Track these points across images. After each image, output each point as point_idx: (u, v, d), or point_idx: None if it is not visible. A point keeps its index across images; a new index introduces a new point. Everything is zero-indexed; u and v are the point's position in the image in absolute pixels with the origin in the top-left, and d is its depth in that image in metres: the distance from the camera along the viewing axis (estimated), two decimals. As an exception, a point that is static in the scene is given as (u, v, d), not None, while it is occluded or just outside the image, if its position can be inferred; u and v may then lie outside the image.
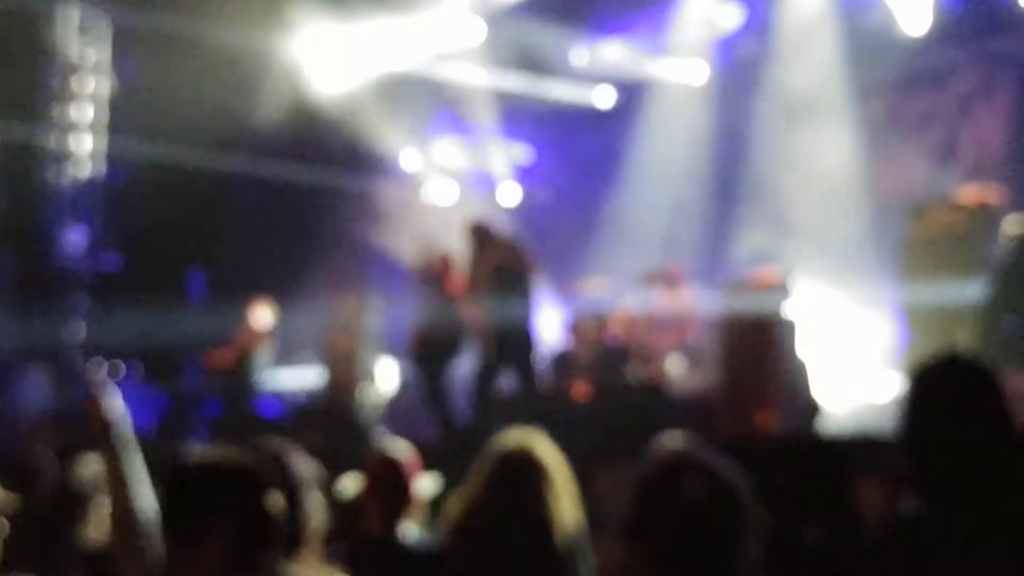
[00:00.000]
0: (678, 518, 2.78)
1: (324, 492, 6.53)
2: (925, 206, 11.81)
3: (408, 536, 5.40)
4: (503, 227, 12.71)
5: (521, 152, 20.27)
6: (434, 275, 13.45)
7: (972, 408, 3.07)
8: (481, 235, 12.62)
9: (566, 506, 5.26)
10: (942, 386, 3.12)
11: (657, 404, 10.63)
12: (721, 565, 2.79)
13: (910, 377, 3.27)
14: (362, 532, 5.26)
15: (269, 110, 17.58)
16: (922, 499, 3.10)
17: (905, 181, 15.83)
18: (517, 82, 18.44)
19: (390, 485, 5.34)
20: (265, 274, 17.91)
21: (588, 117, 18.98)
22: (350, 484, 6.34)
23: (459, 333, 13.20)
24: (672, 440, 5.07)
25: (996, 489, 2.97)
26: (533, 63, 18.29)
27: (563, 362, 14.65)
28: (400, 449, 5.55)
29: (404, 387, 15.70)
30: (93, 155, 19.67)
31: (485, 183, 20.27)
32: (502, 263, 12.19)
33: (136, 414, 13.83)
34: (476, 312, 12.50)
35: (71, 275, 19.53)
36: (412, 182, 19.62)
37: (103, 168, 19.78)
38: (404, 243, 16.96)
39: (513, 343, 12.35)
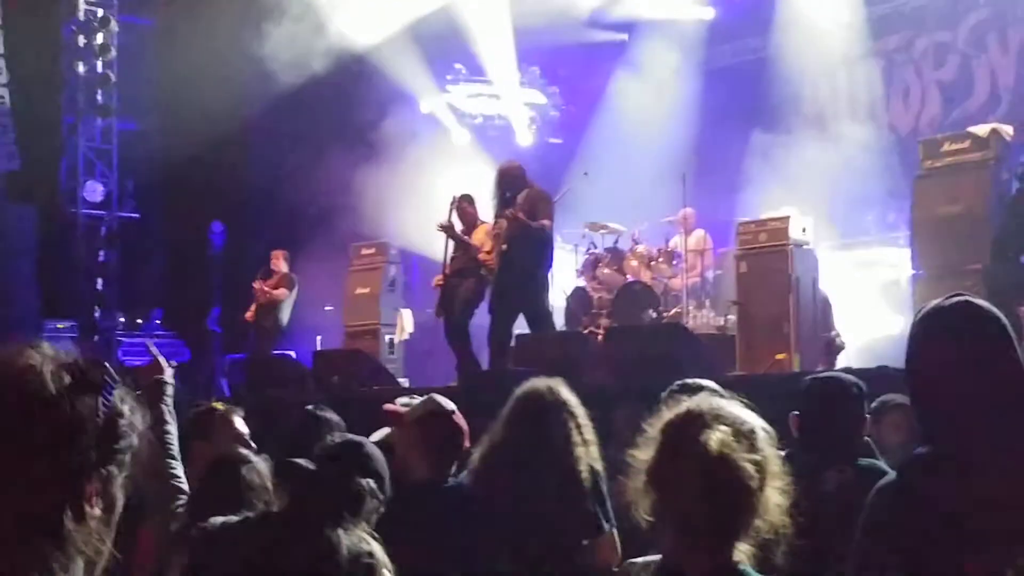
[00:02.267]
0: (701, 469, 2.78)
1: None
2: (938, 139, 11.79)
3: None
4: (521, 173, 12.60)
5: (540, 96, 20.23)
6: (459, 222, 13.48)
7: (977, 349, 3.05)
8: (504, 182, 12.58)
9: (588, 445, 5.34)
10: (947, 327, 3.12)
11: (674, 343, 10.62)
12: (744, 513, 2.81)
13: (916, 317, 3.27)
14: (409, 480, 5.26)
15: (290, 58, 17.55)
16: (928, 439, 3.14)
17: (919, 115, 15.83)
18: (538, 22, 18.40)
19: (442, 436, 5.34)
20: (284, 225, 17.95)
21: (606, 55, 18.96)
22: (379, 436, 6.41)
23: (480, 280, 13.24)
24: (691, 385, 5.09)
25: (998, 429, 2.98)
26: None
27: (580, 303, 14.72)
28: (445, 401, 5.58)
29: (422, 333, 15.75)
30: (110, 109, 19.72)
31: (502, 127, 20.27)
32: (523, 211, 12.16)
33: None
34: (493, 259, 12.49)
35: (92, 228, 19.61)
36: (431, 127, 19.59)
37: (119, 122, 19.85)
38: (425, 188, 17.00)
39: (529, 289, 12.38)
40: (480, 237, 13.22)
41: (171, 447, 5.09)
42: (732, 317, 12.84)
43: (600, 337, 12.65)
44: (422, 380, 14.21)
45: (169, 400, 5.15)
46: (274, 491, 4.18)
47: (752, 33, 17.67)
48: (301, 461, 3.95)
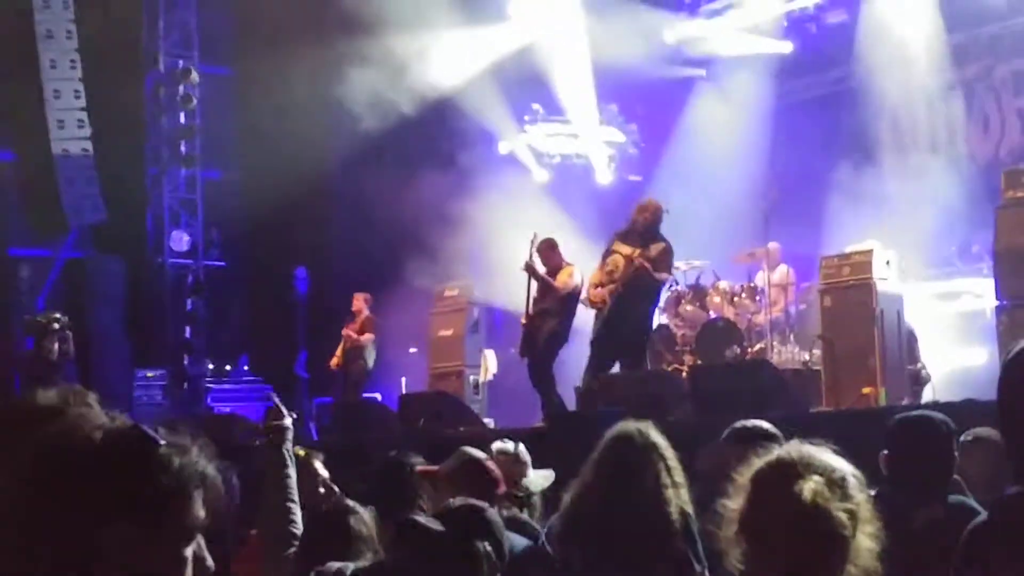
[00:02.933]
0: (795, 519, 2.77)
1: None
2: (1021, 168, 11.69)
3: None
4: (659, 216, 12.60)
5: (618, 134, 20.26)
6: (540, 263, 13.53)
7: None
8: (640, 217, 12.58)
9: (678, 487, 5.34)
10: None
11: (759, 379, 10.61)
12: (837, 562, 2.80)
13: (1009, 354, 3.27)
14: None
15: (369, 104, 17.74)
16: (1020, 478, 3.13)
17: (999, 144, 15.70)
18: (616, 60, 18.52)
19: (476, 485, 5.37)
20: (368, 268, 18.07)
21: (685, 91, 19.01)
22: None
23: (563, 320, 13.28)
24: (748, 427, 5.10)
25: None
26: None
27: (663, 340, 14.72)
28: (475, 451, 5.65)
29: (506, 373, 15.81)
30: (194, 159, 20.02)
31: (582, 166, 20.33)
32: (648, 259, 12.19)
33: (248, 409, 14.12)
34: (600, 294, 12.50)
35: (179, 277, 19.90)
36: (512, 168, 19.67)
37: (203, 171, 20.14)
38: (508, 229, 17.08)
39: (636, 337, 12.45)
40: (563, 279, 13.25)
41: (291, 491, 5.19)
42: (817, 352, 12.80)
43: (684, 374, 12.65)
44: (507, 421, 14.25)
45: (289, 445, 5.25)
46: (379, 542, 4.26)
47: (830, 66, 17.64)
48: (424, 520, 4.04)
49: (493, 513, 4.28)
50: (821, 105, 17.53)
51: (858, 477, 2.93)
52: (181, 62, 19.91)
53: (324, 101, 18.35)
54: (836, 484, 2.84)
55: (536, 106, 20.04)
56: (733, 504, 2.93)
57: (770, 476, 2.90)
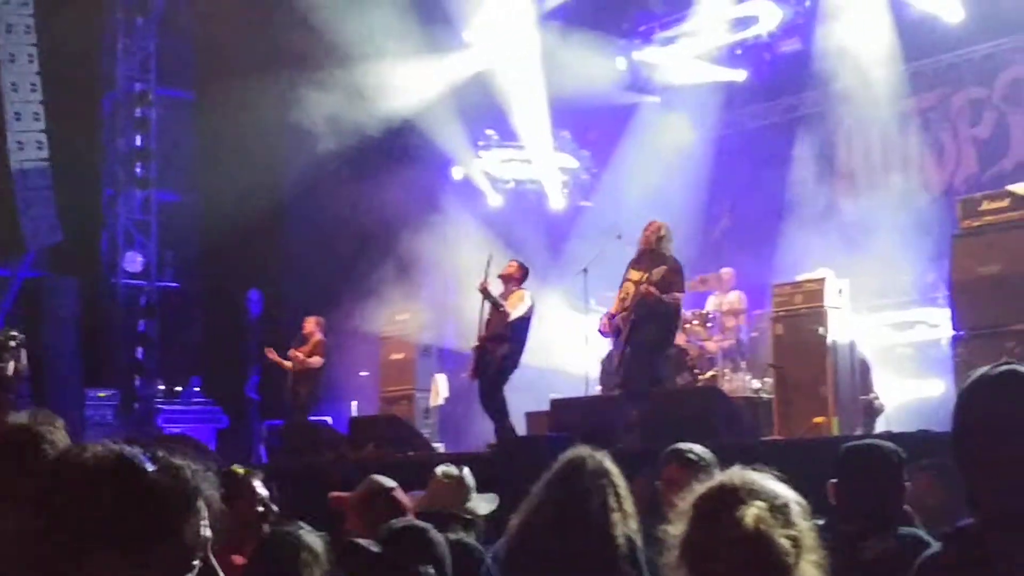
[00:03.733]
0: (737, 546, 2.71)
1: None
2: (976, 197, 11.67)
3: None
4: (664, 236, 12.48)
5: (571, 160, 20.26)
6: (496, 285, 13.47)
7: (1021, 422, 3.01)
8: (649, 239, 12.47)
9: (627, 516, 5.27)
10: (991, 398, 3.06)
11: (709, 407, 10.55)
12: None
13: (963, 385, 3.22)
14: None
15: (326, 129, 17.74)
16: (977, 510, 3.07)
17: (954, 173, 15.75)
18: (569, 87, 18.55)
19: (384, 515, 5.29)
20: (321, 291, 18.00)
21: (638, 118, 19.02)
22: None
23: (516, 347, 13.23)
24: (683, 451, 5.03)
25: None
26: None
27: (615, 366, 14.66)
28: (384, 480, 5.59)
29: (453, 398, 15.76)
30: (149, 181, 19.96)
31: (535, 191, 20.32)
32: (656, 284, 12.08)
33: (198, 431, 14.00)
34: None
35: (132, 298, 19.80)
36: (466, 193, 19.68)
37: (159, 193, 20.07)
38: (460, 254, 17.05)
39: (653, 361, 12.33)
40: (514, 303, 13.19)
41: None
42: (769, 380, 12.76)
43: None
44: (458, 445, 14.16)
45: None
46: (332, 567, 4.16)
47: (784, 94, 17.67)
48: (365, 542, 3.94)
49: (435, 534, 4.20)
50: (775, 133, 17.56)
51: (801, 504, 2.86)
52: (139, 85, 19.89)
53: (281, 126, 18.36)
54: (779, 511, 2.77)
55: (490, 132, 20.03)
56: (674, 530, 2.85)
57: (712, 502, 2.82)
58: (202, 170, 19.76)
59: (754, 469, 2.91)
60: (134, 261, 19.72)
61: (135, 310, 19.89)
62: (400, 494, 5.45)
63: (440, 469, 6.30)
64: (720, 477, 2.90)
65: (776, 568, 2.72)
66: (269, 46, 17.91)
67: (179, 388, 19.61)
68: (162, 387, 19.61)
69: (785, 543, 2.73)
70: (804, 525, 2.81)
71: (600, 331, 12.80)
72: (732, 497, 2.79)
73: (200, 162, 19.91)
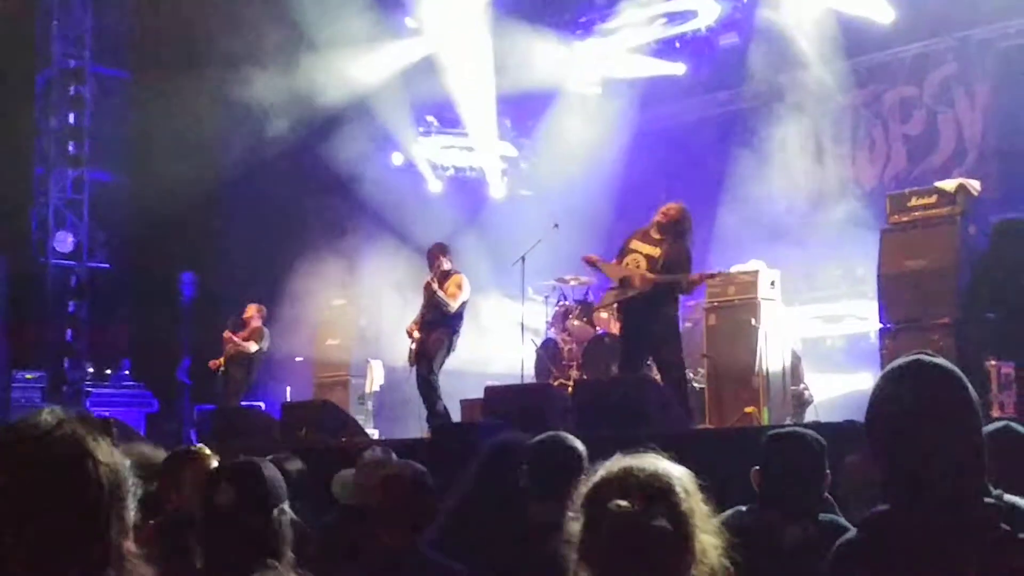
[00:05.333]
0: (618, 536, 2.77)
1: (315, 490, 6.66)
2: (905, 193, 11.84)
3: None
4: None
5: (511, 148, 20.30)
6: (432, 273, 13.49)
7: (933, 409, 3.04)
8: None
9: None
10: (902, 387, 3.13)
11: (642, 396, 10.61)
12: (677, 568, 2.77)
13: (879, 377, 3.31)
14: (381, 545, 5.18)
15: (264, 110, 17.67)
16: (888, 496, 3.16)
17: (885, 169, 15.93)
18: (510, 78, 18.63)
19: (410, 501, 5.23)
20: (257, 276, 17.93)
21: (578, 108, 19.06)
22: (345, 485, 6.40)
23: (453, 333, 13.29)
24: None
25: (954, 489, 3.00)
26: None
27: (550, 354, 14.73)
28: (410, 465, 5.51)
29: (389, 384, 15.76)
30: (82, 160, 19.74)
31: (475, 179, 20.35)
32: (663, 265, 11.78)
33: (127, 414, 13.89)
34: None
35: (62, 279, 19.59)
36: (406, 178, 19.66)
37: (91, 173, 19.87)
38: (399, 239, 17.07)
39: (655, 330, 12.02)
40: (454, 291, 13.24)
41: None
42: (702, 370, 12.88)
43: (569, 389, 12.65)
44: (394, 432, 14.19)
45: None
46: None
47: (723, 87, 17.79)
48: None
49: (262, 470, 4.05)
50: (712, 126, 17.71)
51: (688, 478, 2.91)
52: (74, 62, 19.66)
53: (219, 108, 18.21)
54: (656, 494, 2.82)
55: (430, 118, 20.02)
56: (572, 528, 2.91)
57: (593, 496, 2.87)
58: (137, 150, 19.51)
59: (637, 452, 2.94)
60: (64, 241, 19.48)
61: (65, 291, 19.65)
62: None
63: (367, 454, 6.34)
64: (600, 470, 2.93)
65: (665, 549, 2.77)
66: (209, 26, 17.76)
67: (109, 371, 19.45)
68: (91, 370, 19.41)
69: (664, 524, 2.77)
70: (692, 500, 2.86)
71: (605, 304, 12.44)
72: (609, 488, 2.84)
73: (135, 142, 19.64)
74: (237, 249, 18.87)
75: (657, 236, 11.53)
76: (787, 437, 5.19)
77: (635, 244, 11.65)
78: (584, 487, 2.93)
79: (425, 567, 5.00)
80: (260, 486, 3.95)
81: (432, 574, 4.99)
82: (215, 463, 5.67)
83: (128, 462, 2.18)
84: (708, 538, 2.85)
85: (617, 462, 2.93)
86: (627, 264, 11.47)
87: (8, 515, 2.03)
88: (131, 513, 2.15)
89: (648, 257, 11.46)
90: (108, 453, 2.13)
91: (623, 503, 2.78)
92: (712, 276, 11.68)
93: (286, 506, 4.06)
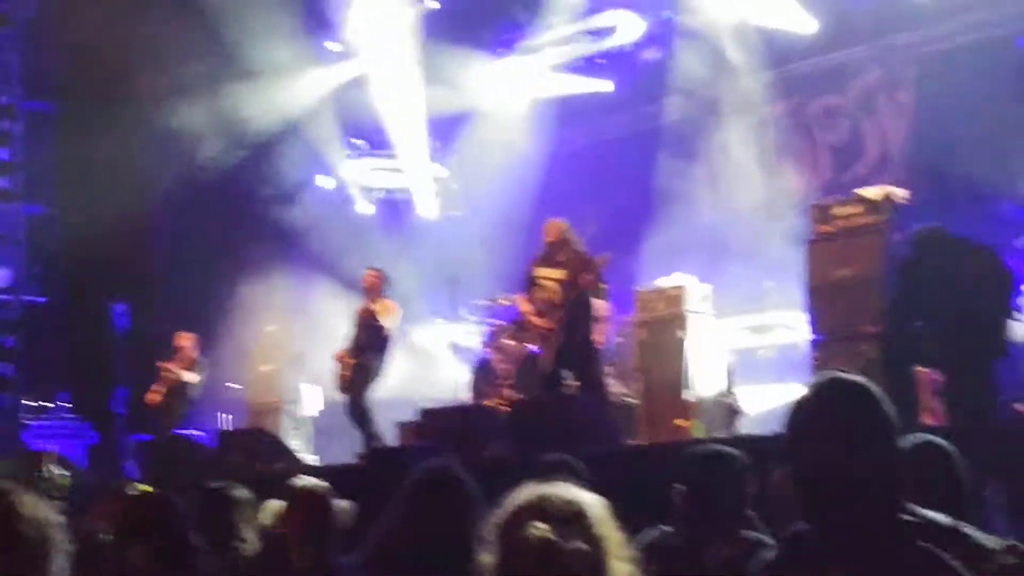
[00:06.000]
0: (532, 567, 2.73)
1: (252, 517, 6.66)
2: (829, 202, 11.94)
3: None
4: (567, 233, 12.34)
5: (441, 169, 20.28)
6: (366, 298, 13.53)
7: (848, 428, 3.11)
8: (551, 241, 12.37)
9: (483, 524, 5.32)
10: (816, 406, 3.17)
11: (576, 414, 10.66)
12: None
13: (798, 396, 3.32)
14: (290, 565, 5.21)
15: (194, 139, 17.62)
16: (806, 514, 3.19)
17: (811, 179, 16.05)
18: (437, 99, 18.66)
19: (312, 517, 5.28)
20: (190, 304, 17.84)
21: (502, 129, 19.09)
22: (271, 512, 6.42)
23: (382, 357, 13.31)
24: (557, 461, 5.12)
25: (868, 507, 3.06)
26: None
27: (484, 375, 14.74)
28: (316, 481, 5.54)
29: (328, 410, 15.72)
30: (14, 194, 19.62)
31: (405, 201, 20.33)
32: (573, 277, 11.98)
33: (67, 447, 13.76)
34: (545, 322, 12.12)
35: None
36: (336, 202, 19.63)
37: (25, 206, 19.74)
38: (330, 264, 17.05)
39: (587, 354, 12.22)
40: (386, 316, 13.27)
41: None
42: (635, 385, 12.94)
43: (505, 409, 12.67)
44: (333, 456, 14.15)
45: None
46: None
47: (648, 101, 17.85)
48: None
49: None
50: (640, 140, 17.74)
51: (601, 505, 2.91)
52: (3, 98, 19.54)
53: (149, 137, 18.15)
54: (571, 520, 2.81)
55: (358, 141, 19.99)
56: (486, 559, 2.89)
57: (506, 526, 2.85)
58: (68, 183, 19.40)
59: (550, 480, 2.95)
60: (1, 276, 19.36)
61: (2, 325, 19.52)
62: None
63: (295, 482, 6.35)
64: (513, 497, 2.91)
65: (579, 573, 2.75)
66: (137, 57, 17.68)
67: (47, 404, 19.29)
68: (30, 403, 19.24)
69: (578, 550, 2.76)
70: (604, 528, 2.85)
71: (533, 327, 12.50)
72: (522, 517, 2.82)
73: (67, 175, 19.56)
74: (170, 278, 18.80)
75: (557, 258, 11.80)
76: (706, 456, 5.21)
77: (540, 272, 11.89)
78: (495, 517, 2.90)
79: None
80: (179, 543, 3.96)
81: None
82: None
83: (57, 518, 2.19)
84: (621, 565, 2.84)
85: (529, 491, 2.90)
86: (541, 292, 11.78)
87: None
88: (59, 567, 2.15)
89: (558, 281, 11.71)
90: (34, 508, 2.14)
91: (541, 526, 2.76)
92: (601, 262, 11.80)
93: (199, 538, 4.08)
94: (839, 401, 3.20)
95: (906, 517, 3.11)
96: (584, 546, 2.78)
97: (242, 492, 6.15)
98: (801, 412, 3.26)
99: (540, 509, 2.82)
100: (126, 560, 3.96)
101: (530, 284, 12.02)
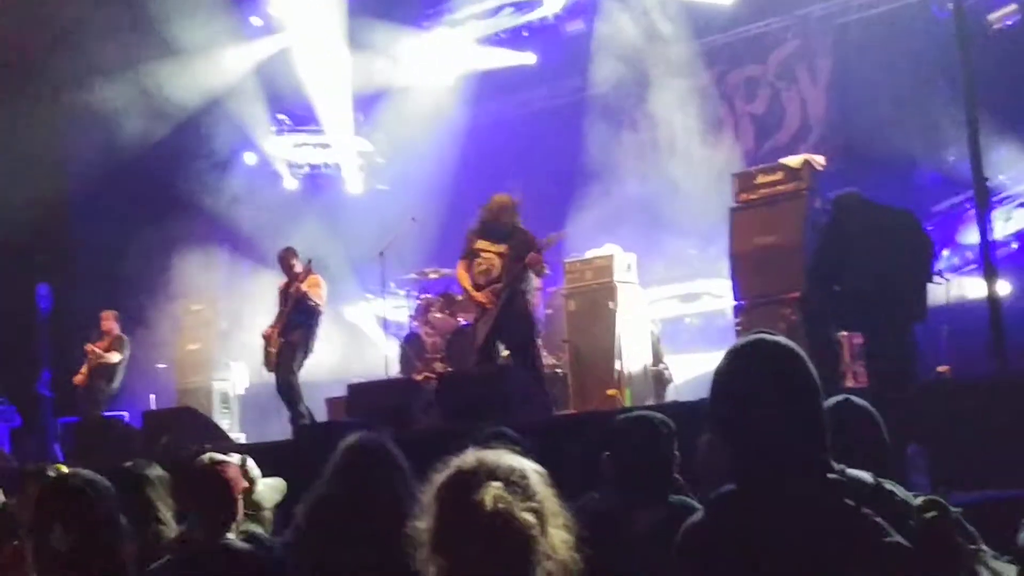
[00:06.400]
0: (480, 529, 2.76)
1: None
2: (752, 171, 12.06)
3: (235, 542, 5.30)
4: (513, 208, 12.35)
5: (366, 143, 20.20)
6: (287, 277, 13.49)
7: (771, 387, 3.14)
8: (492, 215, 12.16)
9: (412, 497, 5.35)
10: (742, 367, 3.22)
11: (506, 386, 10.70)
12: (531, 563, 2.78)
13: (723, 357, 3.33)
14: (191, 542, 5.19)
15: (112, 115, 17.39)
16: (734, 475, 3.22)
17: (733, 148, 16.17)
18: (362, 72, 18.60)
19: (214, 493, 5.25)
20: (114, 284, 17.68)
21: (430, 100, 19.04)
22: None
23: (307, 331, 13.28)
24: (496, 432, 5.13)
25: (796, 465, 3.09)
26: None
27: (414, 348, 14.75)
28: (225, 457, 5.50)
29: (254, 388, 15.65)
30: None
31: (330, 176, 20.25)
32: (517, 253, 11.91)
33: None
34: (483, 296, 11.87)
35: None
36: (261, 177, 19.51)
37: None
38: (257, 240, 16.96)
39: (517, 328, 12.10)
40: (315, 291, 13.22)
41: None
42: (564, 356, 13.00)
43: (434, 382, 12.68)
44: (261, 435, 14.11)
45: None
46: None
47: (572, 74, 17.89)
48: None
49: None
50: (562, 112, 17.80)
51: (541, 473, 2.94)
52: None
53: (66, 115, 17.91)
54: (517, 485, 2.84)
55: (282, 116, 19.86)
56: (422, 524, 2.90)
57: (450, 489, 2.88)
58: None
59: (489, 447, 2.97)
60: (-89, 259, 19.03)
61: (-82, 309, 19.18)
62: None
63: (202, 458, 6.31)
64: (455, 462, 2.93)
65: (522, 542, 2.79)
66: (50, 35, 17.43)
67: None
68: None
69: (527, 516, 2.80)
70: (545, 493, 2.89)
71: (475, 301, 12.19)
72: (469, 481, 2.84)
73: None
74: (93, 258, 18.56)
75: (499, 231, 11.77)
76: (634, 421, 5.26)
77: (481, 244, 11.85)
78: (435, 480, 2.92)
79: (235, 559, 5.00)
80: (95, 525, 3.95)
81: (241, 565, 4.98)
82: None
83: None
84: (558, 532, 2.87)
85: (472, 456, 2.93)
86: (481, 265, 11.72)
87: None
88: None
89: (500, 255, 11.68)
90: None
91: (496, 486, 2.80)
92: (551, 242, 11.86)
93: (122, 519, 4.07)
94: (767, 360, 3.23)
95: (832, 476, 3.13)
96: (532, 518, 2.81)
97: (155, 470, 6.09)
98: (727, 372, 3.29)
99: (488, 473, 2.85)
100: (46, 544, 3.93)
101: (470, 256, 11.97)
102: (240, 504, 5.21)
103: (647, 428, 5.14)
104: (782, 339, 3.29)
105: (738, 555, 3.09)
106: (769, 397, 3.16)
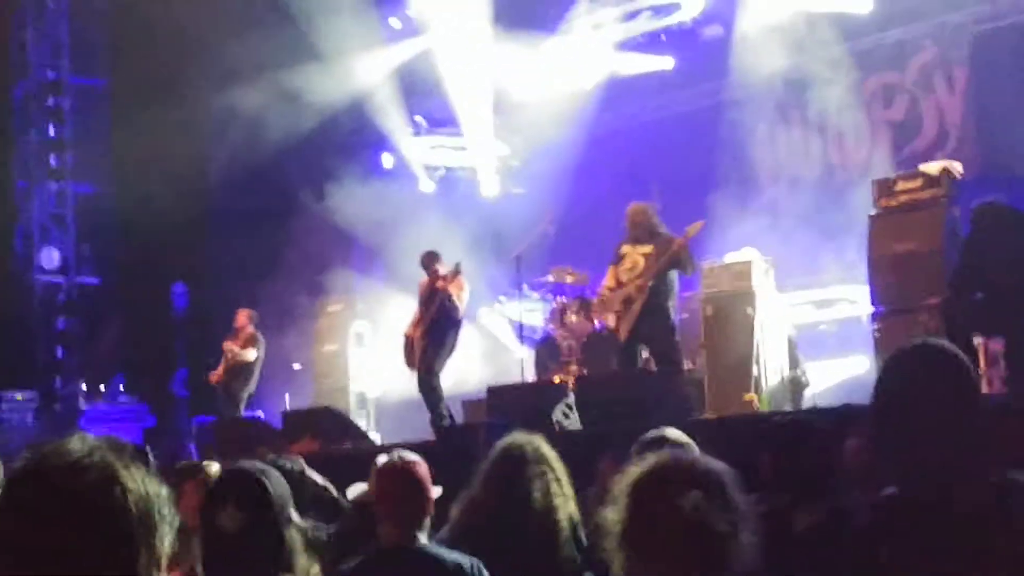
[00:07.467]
0: (678, 532, 2.74)
1: (329, 498, 6.72)
2: (891, 178, 12.01)
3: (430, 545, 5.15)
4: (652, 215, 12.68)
5: (503, 146, 20.24)
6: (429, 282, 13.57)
7: (936, 393, 3.14)
8: (635, 223, 12.48)
9: (567, 498, 5.42)
10: (908, 372, 3.22)
11: (643, 389, 10.73)
12: (721, 567, 2.75)
13: (882, 362, 3.38)
14: (380, 543, 5.17)
15: (250, 115, 17.57)
16: (897, 479, 3.25)
17: (871, 154, 16.01)
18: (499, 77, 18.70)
19: (407, 493, 5.22)
20: (249, 284, 17.85)
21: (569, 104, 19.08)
22: (356, 491, 6.42)
23: (454, 334, 13.34)
24: (661, 436, 5.14)
25: (955, 473, 3.08)
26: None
27: (549, 351, 14.79)
28: (411, 456, 5.48)
29: (393, 388, 15.75)
30: (64, 173, 19.63)
31: (466, 179, 20.34)
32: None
33: (125, 430, 13.82)
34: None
35: (49, 295, 19.45)
36: (398, 180, 19.61)
37: (75, 185, 19.75)
38: (395, 241, 17.06)
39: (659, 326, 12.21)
40: (458, 293, 13.26)
41: None
42: (701, 360, 12.98)
43: (570, 385, 12.73)
44: (395, 435, 14.23)
45: None
46: None
47: (709, 78, 17.80)
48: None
49: (263, 474, 4.13)
50: (700, 117, 17.69)
51: (734, 477, 2.91)
52: (51, 73, 19.51)
53: (202, 112, 18.11)
54: (716, 490, 2.82)
55: (419, 118, 19.93)
56: (612, 515, 2.89)
57: (648, 486, 2.86)
58: (119, 161, 19.34)
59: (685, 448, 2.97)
60: (50, 257, 19.37)
61: (53, 307, 19.49)
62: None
63: (380, 459, 6.34)
64: (652, 460, 2.91)
65: (717, 549, 2.77)
66: (190, 29, 17.48)
67: (102, 387, 19.30)
68: (84, 387, 19.22)
69: (724, 527, 2.77)
70: (739, 499, 2.86)
71: (603, 304, 12.50)
72: (669, 481, 2.82)
73: (117, 153, 19.48)
74: (228, 257, 18.73)
75: (642, 235, 12.10)
76: (794, 423, 5.31)
77: (626, 249, 12.02)
78: (631, 474, 2.90)
79: (425, 562, 4.96)
80: (267, 508, 4.01)
81: (431, 569, 4.94)
82: (215, 479, 5.68)
83: (164, 491, 2.16)
84: (747, 536, 2.85)
85: (670, 454, 2.96)
86: (625, 265, 11.84)
87: (34, 544, 2.00)
88: (165, 543, 2.12)
89: (645, 256, 11.81)
90: (139, 481, 2.09)
91: (696, 501, 2.76)
92: (690, 233, 12.05)
93: (294, 514, 4.13)
94: (933, 366, 3.24)
95: (994, 480, 3.12)
96: (731, 513, 2.80)
97: (297, 464, 6.20)
98: (894, 378, 3.31)
99: (688, 477, 2.83)
100: (214, 525, 4.02)
101: (616, 261, 12.17)
102: (432, 504, 5.19)
103: (808, 429, 5.18)
104: (947, 344, 3.31)
105: (909, 561, 3.11)
106: (936, 402, 3.17)
